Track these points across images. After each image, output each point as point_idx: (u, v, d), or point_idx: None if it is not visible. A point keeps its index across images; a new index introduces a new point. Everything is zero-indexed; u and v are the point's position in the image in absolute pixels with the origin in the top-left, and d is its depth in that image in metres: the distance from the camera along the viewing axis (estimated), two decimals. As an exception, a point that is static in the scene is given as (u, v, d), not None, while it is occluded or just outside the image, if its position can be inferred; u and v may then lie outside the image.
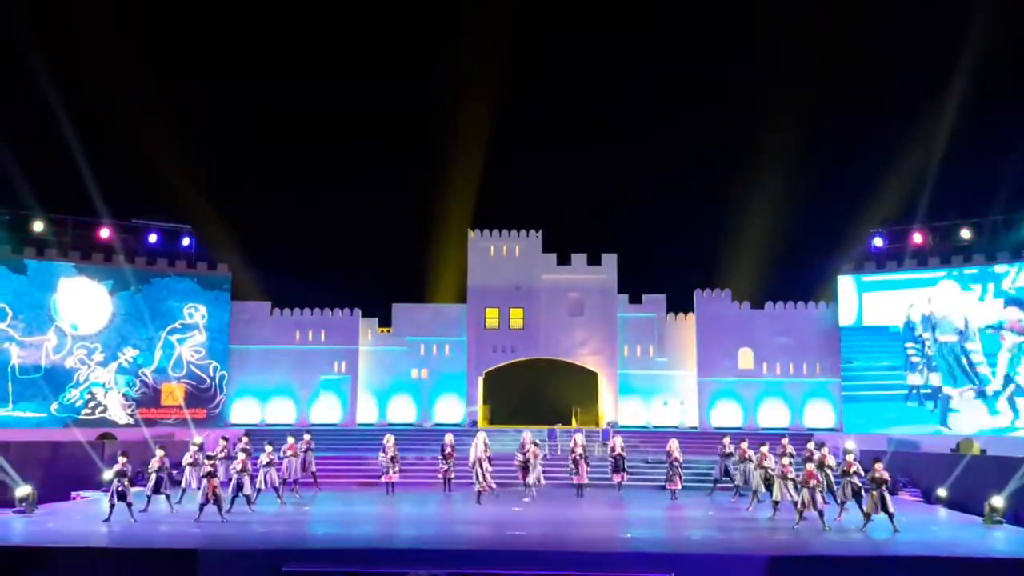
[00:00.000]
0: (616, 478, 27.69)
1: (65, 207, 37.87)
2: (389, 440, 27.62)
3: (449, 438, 27.98)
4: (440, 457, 27.93)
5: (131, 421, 37.40)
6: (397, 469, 27.41)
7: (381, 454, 27.46)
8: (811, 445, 25.05)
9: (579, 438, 27.80)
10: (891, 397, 37.90)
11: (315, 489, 27.65)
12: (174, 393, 38.68)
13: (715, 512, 23.87)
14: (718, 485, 27.39)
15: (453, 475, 27.54)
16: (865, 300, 38.86)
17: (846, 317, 39.17)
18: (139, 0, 48.72)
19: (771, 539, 18.93)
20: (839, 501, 21.92)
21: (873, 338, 38.52)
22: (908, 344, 37.77)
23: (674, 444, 26.92)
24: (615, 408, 40.15)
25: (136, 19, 48.31)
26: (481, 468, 25.47)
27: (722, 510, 24.26)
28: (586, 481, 27.25)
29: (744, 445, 25.86)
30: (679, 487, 26.50)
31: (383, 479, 27.26)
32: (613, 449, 27.98)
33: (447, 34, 49.68)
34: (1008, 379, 35.28)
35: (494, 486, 25.59)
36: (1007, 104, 42.11)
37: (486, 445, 27.68)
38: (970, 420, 36.03)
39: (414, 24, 53.66)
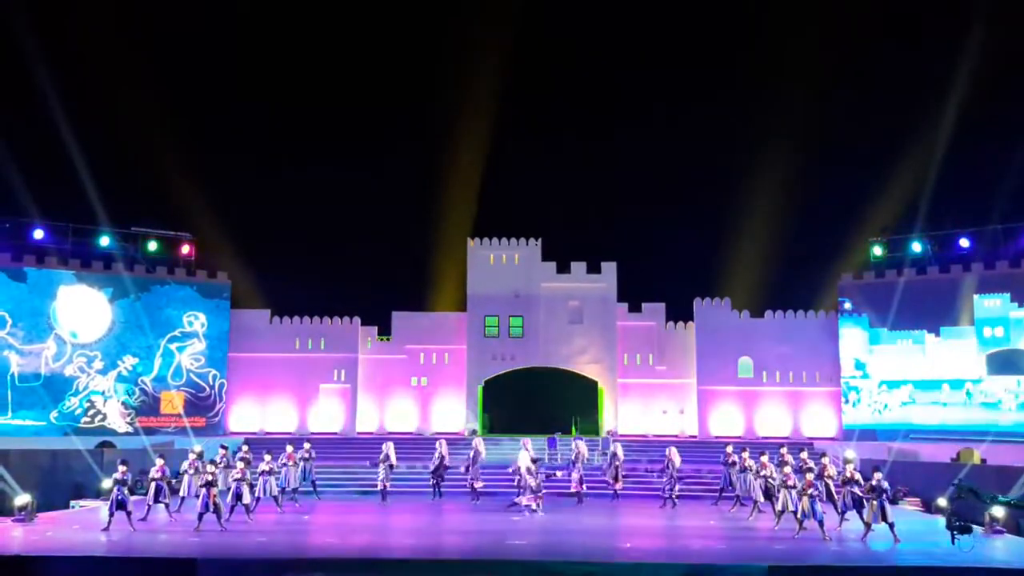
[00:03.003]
0: (616, 486, 27.69)
1: (65, 215, 38.02)
2: (389, 447, 27.67)
3: (440, 445, 28.32)
4: (430, 465, 28.34)
5: (130, 429, 37.33)
6: (389, 476, 27.57)
7: (381, 462, 27.51)
8: (804, 455, 25.01)
9: (581, 446, 27.80)
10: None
11: (314, 498, 27.64)
12: (173, 401, 38.63)
13: (715, 521, 23.84)
14: (724, 494, 27.34)
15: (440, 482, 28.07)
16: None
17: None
18: (140, 6, 48.92)
19: (771, 548, 18.92)
20: (839, 511, 21.89)
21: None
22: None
23: (674, 452, 26.91)
24: (615, 416, 40.10)
25: (136, 25, 48.51)
26: (473, 468, 26.91)
27: (722, 520, 24.24)
28: (585, 489, 27.21)
29: (745, 455, 25.82)
30: (677, 495, 26.49)
31: (379, 486, 27.34)
32: (614, 457, 27.94)
33: (447, 42, 49.83)
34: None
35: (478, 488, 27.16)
36: (1006, 113, 42.31)
37: (480, 451, 27.91)
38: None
39: (416, 33, 53.89)
